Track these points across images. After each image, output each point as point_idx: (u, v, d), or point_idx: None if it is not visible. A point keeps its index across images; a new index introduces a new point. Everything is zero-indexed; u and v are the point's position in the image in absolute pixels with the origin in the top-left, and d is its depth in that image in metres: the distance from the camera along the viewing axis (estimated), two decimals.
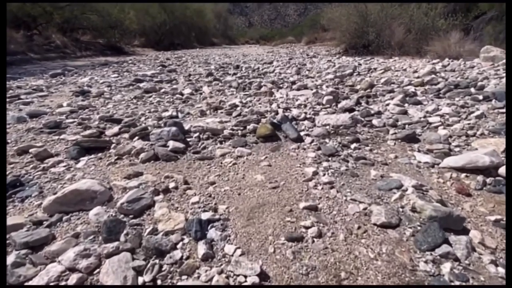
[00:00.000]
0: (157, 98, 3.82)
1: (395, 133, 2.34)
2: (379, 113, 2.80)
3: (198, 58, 9.81)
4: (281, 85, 4.46)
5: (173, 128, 2.23)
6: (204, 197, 1.52)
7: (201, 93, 4.16)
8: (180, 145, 2.13)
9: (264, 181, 1.67)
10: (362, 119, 2.67)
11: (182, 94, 4.05)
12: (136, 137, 2.38)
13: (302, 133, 2.40)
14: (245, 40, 30.14)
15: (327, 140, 2.26)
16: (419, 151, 2.08)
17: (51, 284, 0.98)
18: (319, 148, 2.12)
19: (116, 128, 2.61)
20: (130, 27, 14.34)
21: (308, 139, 2.29)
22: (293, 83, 4.50)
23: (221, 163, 1.96)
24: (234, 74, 5.71)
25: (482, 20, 9.79)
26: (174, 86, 4.64)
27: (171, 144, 2.11)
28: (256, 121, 2.59)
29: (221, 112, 3.07)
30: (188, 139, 2.33)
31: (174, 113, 2.97)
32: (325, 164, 1.87)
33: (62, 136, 2.54)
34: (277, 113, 2.90)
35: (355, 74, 5.00)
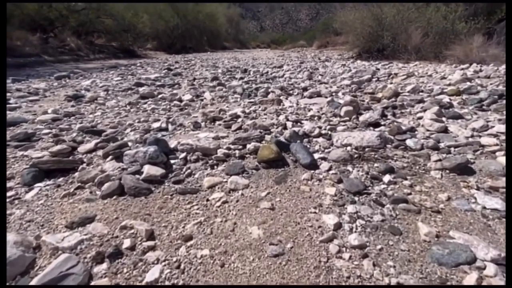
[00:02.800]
0: (152, 105, 3.31)
1: (439, 159, 1.72)
2: (412, 130, 2.18)
3: (207, 62, 9.33)
4: (290, 92, 3.88)
5: (151, 149, 1.69)
6: (168, 269, 0.96)
7: (202, 100, 3.63)
8: (157, 171, 1.59)
9: (262, 240, 1.10)
10: (392, 137, 2.06)
11: (181, 101, 3.54)
12: (110, 157, 1.86)
13: (316, 156, 1.82)
14: (256, 44, 29.58)
15: (349, 168, 1.67)
16: (478, 188, 1.46)
17: None
18: (340, 180, 1.53)
19: (92, 143, 2.11)
20: (143, 30, 14.09)
21: (324, 165, 1.71)
22: (305, 89, 3.91)
23: (207, 200, 1.40)
24: (241, 78, 5.16)
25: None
26: (175, 91, 4.14)
27: (146, 170, 1.57)
28: (259, 138, 2.02)
29: (219, 124, 2.52)
30: (172, 161, 1.80)
31: (164, 125, 2.44)
32: (350, 208, 1.29)
33: (27, 152, 2.06)
34: (285, 127, 2.33)
35: (374, 79, 4.35)
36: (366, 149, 1.85)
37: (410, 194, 1.41)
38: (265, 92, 3.69)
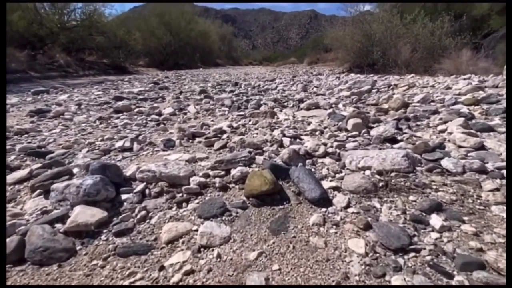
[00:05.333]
0: (125, 120, 2.77)
1: (496, 188, 1.21)
2: (441, 147, 1.69)
3: (198, 77, 8.91)
4: (285, 104, 3.40)
5: (88, 181, 1.12)
6: None
7: (185, 113, 3.11)
8: (93, 216, 1.02)
9: None
10: (419, 156, 1.56)
11: (160, 115, 3.00)
12: (37, 191, 1.29)
13: (325, 184, 1.29)
14: (248, 61, 29.63)
15: (376, 204, 1.14)
16: None
17: None
18: (368, 226, 0.99)
19: (26, 171, 1.53)
20: (135, 47, 13.73)
21: (339, 199, 1.18)
22: (301, 101, 3.44)
23: (162, 268, 0.84)
24: (231, 91, 4.68)
25: (493, 38, 8.99)
26: (156, 105, 3.61)
27: (74, 215, 1.00)
28: (247, 160, 1.49)
29: (199, 142, 1.98)
30: (125, 196, 1.23)
31: (128, 144, 1.88)
32: (397, 282, 0.75)
33: None
34: (281, 145, 1.81)
35: (374, 90, 3.93)
36: (393, 174, 1.33)
37: (481, 250, 0.88)
38: (256, 104, 3.19)
